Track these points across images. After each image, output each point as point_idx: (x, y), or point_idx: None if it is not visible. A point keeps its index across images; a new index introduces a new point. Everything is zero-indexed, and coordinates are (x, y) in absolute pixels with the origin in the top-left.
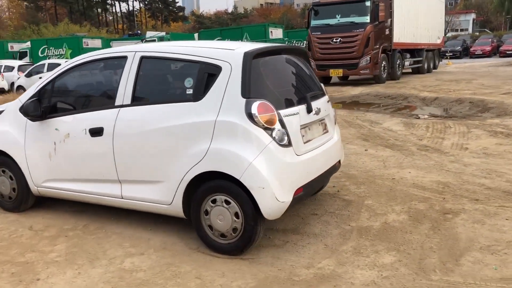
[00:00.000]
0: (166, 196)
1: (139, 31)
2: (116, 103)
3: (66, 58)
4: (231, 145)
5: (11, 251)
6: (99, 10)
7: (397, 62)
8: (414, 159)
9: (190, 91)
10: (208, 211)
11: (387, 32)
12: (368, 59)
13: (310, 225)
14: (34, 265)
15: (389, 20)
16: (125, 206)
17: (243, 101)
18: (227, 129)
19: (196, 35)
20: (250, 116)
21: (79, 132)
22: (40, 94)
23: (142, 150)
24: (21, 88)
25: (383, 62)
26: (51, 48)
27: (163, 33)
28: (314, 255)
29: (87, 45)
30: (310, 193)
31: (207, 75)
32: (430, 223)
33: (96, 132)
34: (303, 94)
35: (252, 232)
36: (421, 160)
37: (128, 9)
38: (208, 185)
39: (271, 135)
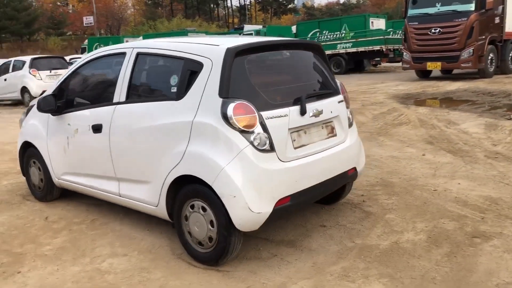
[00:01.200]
0: (153, 197)
1: (243, 25)
2: (114, 100)
3: None
4: (205, 148)
5: (15, 241)
6: (212, 5)
7: (510, 55)
8: (474, 168)
9: (174, 89)
10: (188, 216)
11: (497, 20)
12: (471, 51)
13: (310, 238)
14: (25, 257)
15: (500, 7)
16: (123, 204)
17: (220, 101)
18: (203, 131)
19: (294, 27)
20: (226, 118)
21: (85, 128)
22: (58, 90)
23: (132, 149)
24: None
25: (490, 55)
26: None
27: (260, 27)
28: (294, 274)
29: None
30: (302, 204)
31: (189, 72)
32: (450, 247)
33: (97, 128)
34: (298, 95)
35: (226, 243)
36: (481, 170)
37: (240, 3)
38: (187, 189)
39: (248, 139)
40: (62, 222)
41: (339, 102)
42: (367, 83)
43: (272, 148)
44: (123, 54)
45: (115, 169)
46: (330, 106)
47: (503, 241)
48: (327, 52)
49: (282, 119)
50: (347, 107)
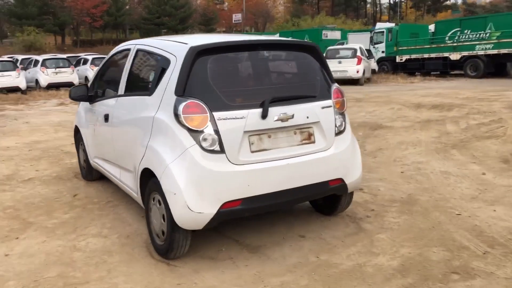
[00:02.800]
0: (134, 186)
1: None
2: (118, 93)
3: None
4: (159, 144)
5: (35, 211)
6: (360, 2)
7: None
8: None
9: (150, 85)
10: (151, 208)
11: None
12: None
13: (279, 246)
14: (31, 227)
15: None
16: (123, 190)
17: (174, 99)
18: (160, 127)
19: (432, 26)
20: (176, 116)
21: (101, 116)
22: (92, 81)
23: (121, 139)
24: None
25: None
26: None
27: (393, 25)
28: (231, 279)
29: (326, 36)
30: (260, 210)
31: (161, 69)
32: (415, 279)
33: (106, 118)
34: (265, 97)
35: (171, 238)
36: None
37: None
38: (151, 182)
39: (196, 139)
40: (84, 200)
41: (323, 107)
42: (497, 89)
43: (222, 150)
44: (129, 50)
45: (116, 156)
46: (306, 111)
47: (486, 283)
48: (463, 53)
49: (237, 121)
50: (341, 113)
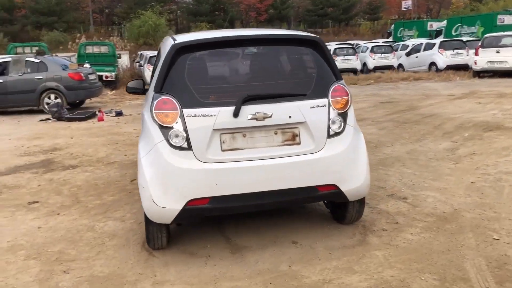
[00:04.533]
0: None
1: None
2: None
3: (477, 36)
4: (141, 139)
5: (91, 192)
6: None
7: None
8: None
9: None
10: None
11: None
12: None
13: (262, 250)
14: (76, 205)
15: None
16: None
17: (152, 94)
18: (143, 122)
19: None
20: (151, 112)
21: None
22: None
23: None
24: (401, 67)
25: None
26: (464, 26)
27: None
28: (188, 278)
29: (503, 21)
30: (231, 210)
31: (156, 66)
32: None
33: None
34: (242, 95)
35: (146, 229)
36: None
37: None
38: None
39: (165, 134)
40: (131, 186)
41: (313, 107)
42: None
43: (189, 147)
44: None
45: None
46: (289, 110)
47: None
48: None
49: (207, 118)
50: (341, 113)
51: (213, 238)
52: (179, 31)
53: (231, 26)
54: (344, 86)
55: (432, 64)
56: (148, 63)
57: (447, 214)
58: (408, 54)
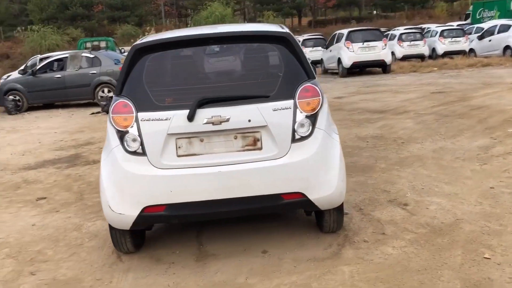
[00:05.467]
0: None
1: None
2: None
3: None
4: (105, 143)
5: (96, 189)
6: None
7: None
8: None
9: None
10: None
11: None
12: None
13: (229, 259)
14: (78, 202)
15: None
16: None
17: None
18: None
19: None
20: (109, 115)
21: None
22: None
23: None
24: (472, 52)
25: None
26: (485, 10)
27: None
28: (142, 285)
29: None
30: (190, 218)
31: None
32: None
33: None
34: (195, 98)
35: (110, 234)
36: None
37: None
38: None
39: (121, 139)
40: None
41: (276, 109)
42: None
43: (143, 152)
44: None
45: None
46: (248, 113)
47: None
48: None
49: (161, 123)
50: (309, 116)
51: (186, 243)
52: (246, 21)
53: (299, 13)
54: (316, 86)
55: (507, 48)
56: None
57: (444, 225)
58: (480, 38)
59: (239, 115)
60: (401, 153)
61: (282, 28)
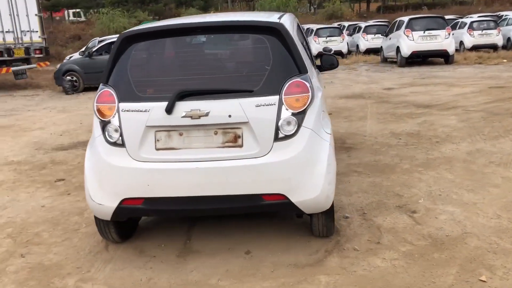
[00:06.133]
0: None
1: None
2: None
3: None
4: None
5: None
6: None
7: None
8: None
9: None
10: None
11: None
12: None
13: (209, 257)
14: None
15: None
16: None
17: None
18: None
19: None
20: (93, 103)
21: None
22: None
23: None
24: None
25: None
26: None
27: None
28: (117, 279)
29: None
30: (168, 213)
31: None
32: None
33: None
34: (177, 90)
35: (95, 222)
36: None
37: None
38: None
39: (103, 129)
40: None
41: (259, 105)
42: None
43: (123, 144)
44: None
45: None
46: (229, 108)
47: None
48: None
49: (140, 114)
50: (296, 113)
51: (174, 237)
52: (312, 6)
53: None
54: (306, 81)
55: None
56: (314, 35)
57: (448, 238)
58: None
59: (219, 109)
60: (431, 153)
61: (279, 18)
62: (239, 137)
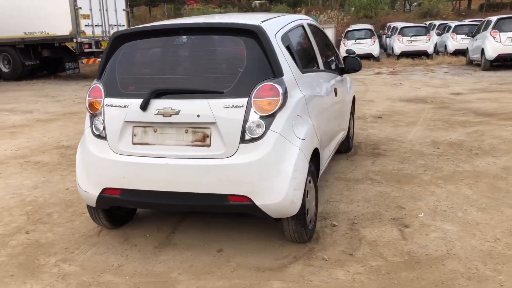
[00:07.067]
0: None
1: None
2: None
3: None
4: None
5: None
6: None
7: None
8: None
9: None
10: None
11: None
12: None
13: (184, 251)
14: None
15: None
16: None
17: None
18: None
19: None
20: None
21: None
22: None
23: None
24: None
25: None
26: None
27: None
28: (88, 265)
29: None
30: (143, 206)
31: None
32: None
33: None
34: (152, 88)
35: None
36: None
37: None
38: None
39: (90, 121)
40: None
41: (227, 107)
42: None
43: (105, 136)
44: None
45: None
46: (198, 108)
47: None
48: None
49: (120, 109)
50: (264, 116)
51: (162, 228)
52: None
53: None
54: (279, 85)
55: None
56: (398, 34)
57: (427, 258)
58: None
59: (189, 109)
60: (462, 165)
61: (263, 21)
62: (207, 136)
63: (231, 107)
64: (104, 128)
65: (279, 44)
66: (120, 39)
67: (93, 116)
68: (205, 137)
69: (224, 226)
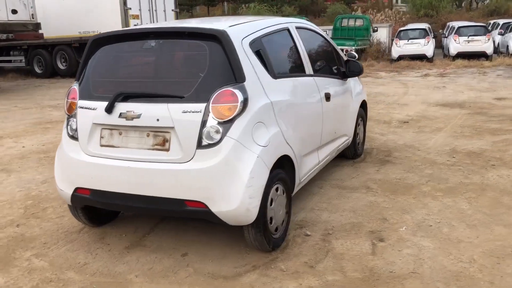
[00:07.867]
0: None
1: None
2: None
3: None
4: None
5: None
6: None
7: None
8: None
9: None
10: None
11: None
12: None
13: (152, 253)
14: None
15: None
16: None
17: None
18: None
19: None
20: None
21: None
22: None
23: None
24: None
25: None
26: None
27: None
28: (58, 263)
29: None
30: (110, 206)
31: None
32: None
33: None
34: (117, 91)
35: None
36: None
37: None
38: None
39: (67, 122)
40: None
41: (185, 111)
42: None
43: (77, 138)
44: None
45: None
46: (157, 112)
47: None
48: None
49: (90, 112)
50: (222, 122)
51: (139, 230)
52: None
53: None
54: (238, 91)
55: None
56: (455, 33)
57: (388, 275)
58: None
59: (149, 113)
60: (471, 177)
61: (232, 25)
62: (167, 141)
63: (190, 112)
64: (76, 129)
65: (245, 49)
66: (97, 43)
67: (69, 117)
68: (165, 141)
69: (199, 231)
